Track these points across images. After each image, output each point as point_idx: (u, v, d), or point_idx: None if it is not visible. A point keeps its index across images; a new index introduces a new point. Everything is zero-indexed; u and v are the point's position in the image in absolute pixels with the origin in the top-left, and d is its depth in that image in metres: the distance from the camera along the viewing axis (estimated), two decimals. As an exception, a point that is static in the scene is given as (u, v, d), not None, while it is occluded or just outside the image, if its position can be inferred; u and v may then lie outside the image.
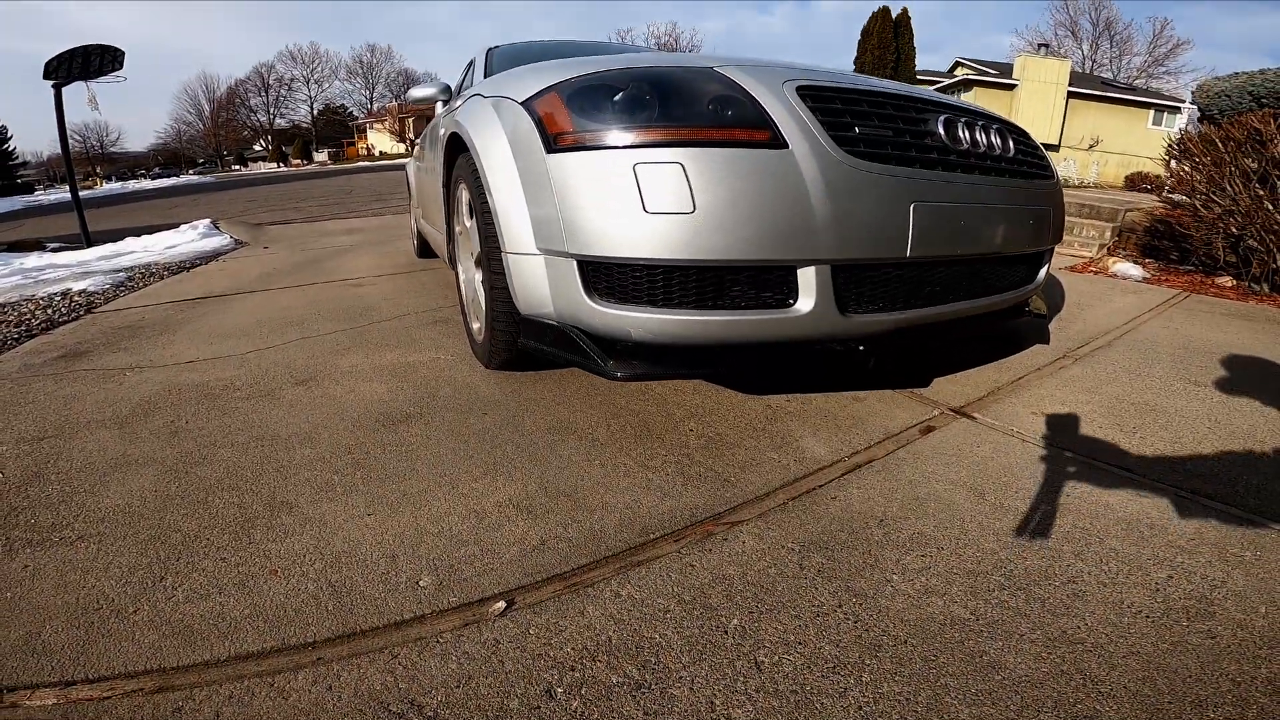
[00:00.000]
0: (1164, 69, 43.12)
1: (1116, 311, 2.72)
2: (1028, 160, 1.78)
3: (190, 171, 52.57)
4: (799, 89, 1.31)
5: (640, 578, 1.06)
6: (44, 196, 24.66)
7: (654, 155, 1.16)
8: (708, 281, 1.21)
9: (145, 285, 4.12)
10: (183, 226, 8.56)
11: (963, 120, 1.56)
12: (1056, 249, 4.77)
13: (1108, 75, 41.35)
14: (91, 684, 0.89)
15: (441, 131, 2.11)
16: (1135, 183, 11.40)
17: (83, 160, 62.23)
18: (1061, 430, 1.54)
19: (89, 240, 8.69)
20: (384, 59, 62.44)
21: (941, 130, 1.48)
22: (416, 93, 2.75)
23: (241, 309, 3.03)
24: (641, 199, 1.16)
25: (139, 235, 8.48)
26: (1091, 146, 25.72)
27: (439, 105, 2.82)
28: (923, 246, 1.36)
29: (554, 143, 1.27)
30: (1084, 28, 46.13)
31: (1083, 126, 26.05)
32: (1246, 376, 1.88)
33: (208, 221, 8.99)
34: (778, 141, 1.20)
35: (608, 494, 1.29)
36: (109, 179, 54.36)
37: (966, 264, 1.58)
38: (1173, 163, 4.46)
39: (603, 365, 1.29)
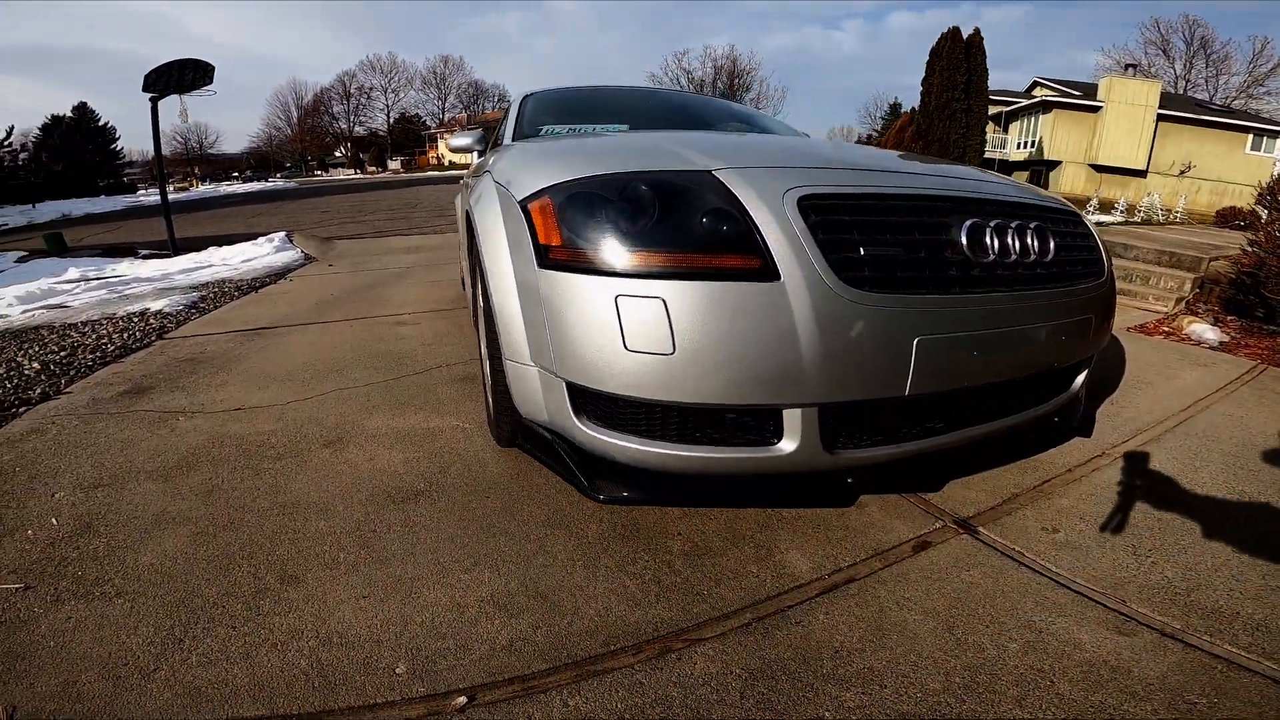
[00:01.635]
0: (1264, 89, 40.06)
1: (1178, 392, 2.56)
2: (1073, 259, 1.55)
3: (278, 175, 55.98)
4: (801, 200, 1.20)
5: (591, 689, 1.11)
6: (145, 197, 26.62)
7: (636, 287, 1.14)
8: (688, 419, 1.22)
9: (216, 308, 4.45)
10: (260, 239, 9.16)
11: (993, 223, 1.34)
12: (1129, 300, 4.52)
13: (1203, 96, 38.76)
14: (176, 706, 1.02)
15: (459, 204, 2.22)
16: (1226, 218, 10.60)
17: (182, 161, 67.18)
18: (1065, 551, 1.48)
19: (175, 248, 9.42)
20: (455, 70, 65.01)
21: (964, 239, 1.30)
22: (455, 141, 2.89)
23: (293, 346, 3.24)
24: (623, 335, 1.15)
25: (220, 245, 9.13)
26: (1182, 173, 24.13)
27: (474, 154, 2.93)
28: (926, 383, 1.25)
29: (545, 255, 1.27)
30: (1176, 46, 43.42)
31: (1174, 151, 24.48)
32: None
33: (283, 235, 9.59)
34: (769, 272, 1.13)
35: (582, 599, 1.33)
36: (204, 180, 58.39)
37: (979, 391, 1.42)
38: (1263, 212, 4.14)
39: (585, 485, 1.33)
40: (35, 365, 3.00)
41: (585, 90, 3.42)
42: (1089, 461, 1.92)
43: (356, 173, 51.10)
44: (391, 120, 62.17)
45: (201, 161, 67.64)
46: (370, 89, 61.38)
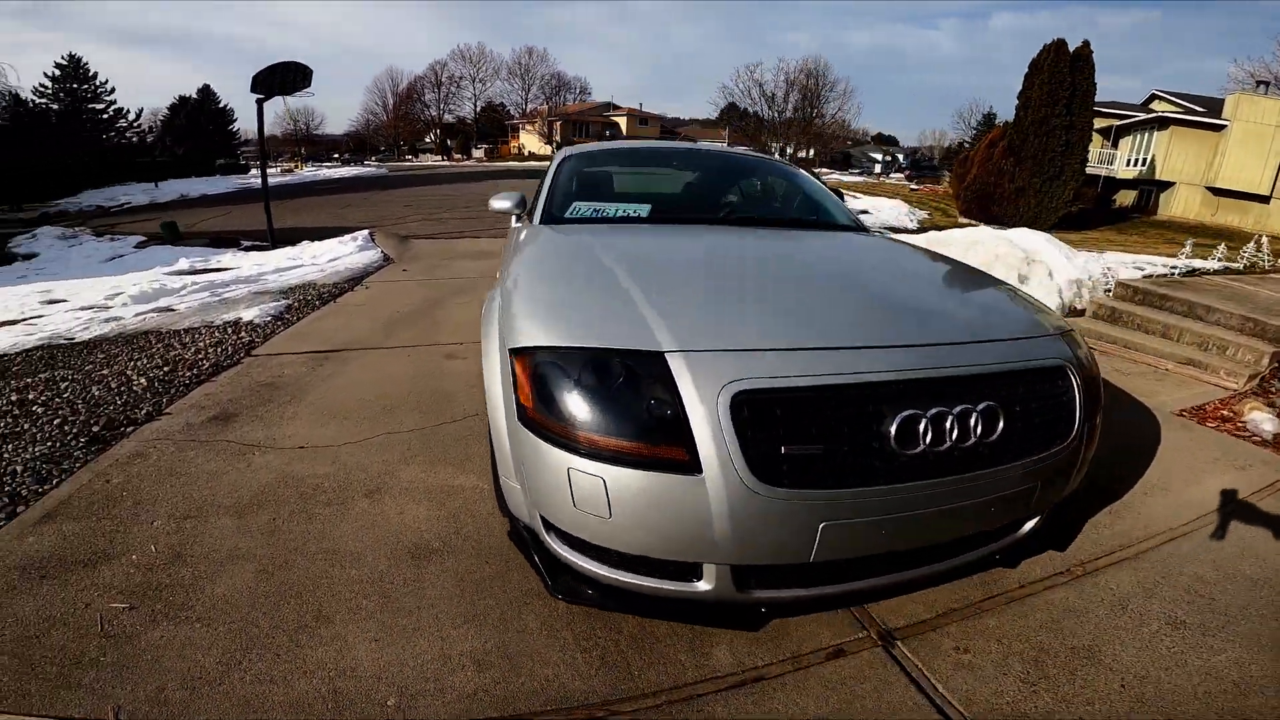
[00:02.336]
0: None
1: (1192, 502, 2.48)
2: (1030, 428, 1.51)
3: (373, 158, 59.10)
4: (735, 396, 1.30)
5: None
6: (254, 180, 28.49)
7: (583, 465, 1.34)
8: (625, 557, 1.44)
9: (298, 319, 4.97)
10: (345, 237, 9.92)
11: (932, 411, 1.36)
12: (1197, 373, 4.30)
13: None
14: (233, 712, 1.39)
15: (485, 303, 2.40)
16: (1352, 265, 9.56)
17: (292, 141, 71.87)
18: (961, 673, 1.57)
19: (273, 241, 10.33)
20: (539, 61, 66.49)
21: (894, 431, 1.34)
22: (495, 204, 3.07)
23: (356, 374, 3.65)
24: (572, 497, 1.38)
25: (312, 240, 9.95)
26: (1314, 202, 21.79)
27: (513, 218, 3.07)
28: (833, 553, 1.39)
29: (523, 413, 1.46)
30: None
31: (1310, 176, 22.11)
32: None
33: (366, 233, 10.33)
34: (694, 466, 1.29)
35: (539, 664, 1.60)
36: (308, 161, 62.24)
37: (897, 553, 1.52)
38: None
39: (548, 583, 1.58)
40: (143, 381, 3.53)
41: (622, 152, 3.67)
42: (1048, 578, 1.98)
43: (443, 159, 53.31)
44: (478, 109, 64.44)
45: (308, 142, 72.22)
46: (460, 78, 63.86)
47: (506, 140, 56.76)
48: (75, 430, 2.90)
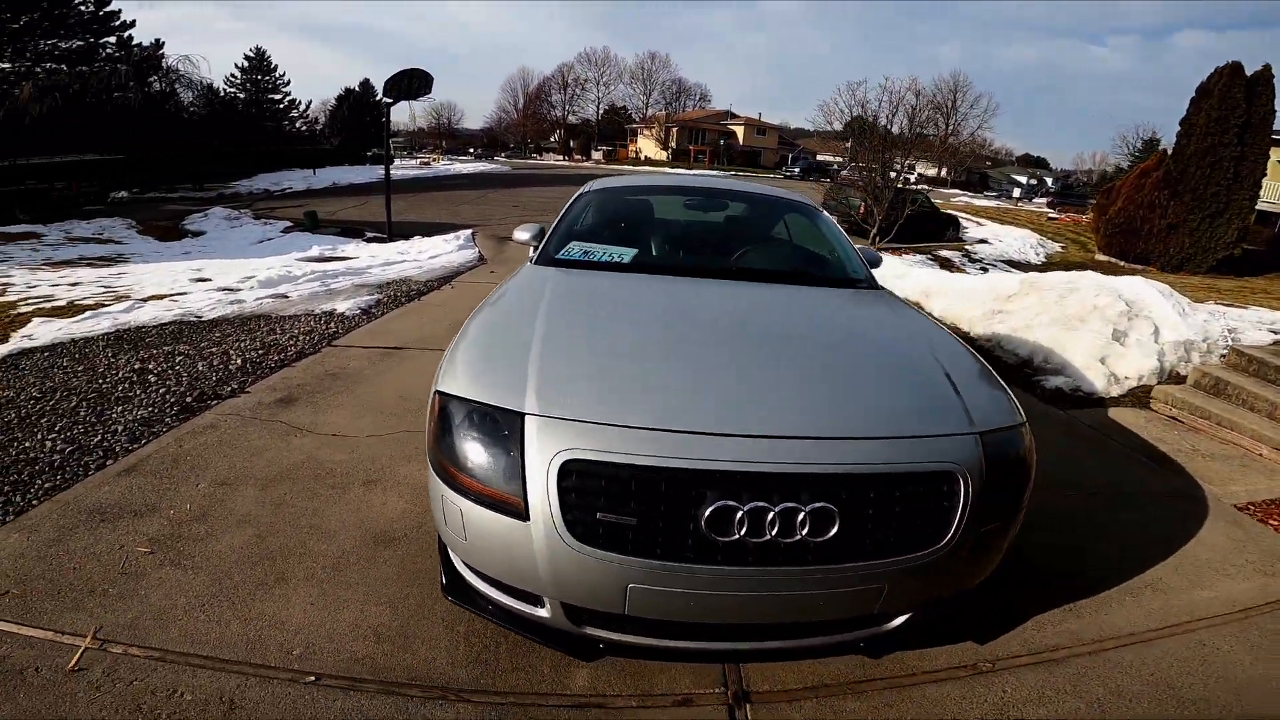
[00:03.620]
0: None
1: (1183, 607, 2.25)
2: (884, 531, 1.49)
3: (502, 154, 62.74)
4: (564, 464, 1.44)
5: (376, 701, 1.66)
6: (397, 171, 31.10)
7: (451, 495, 1.59)
8: (486, 576, 1.67)
9: (381, 314, 5.58)
10: (449, 235, 10.80)
11: (751, 505, 1.39)
12: (1254, 448, 3.81)
13: None
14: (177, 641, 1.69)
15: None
16: None
17: (434, 134, 77.91)
18: None
19: (391, 234, 11.43)
20: (661, 67, 67.66)
21: (705, 518, 1.40)
22: (518, 235, 3.26)
23: (405, 372, 4.08)
24: (444, 518, 1.65)
25: (423, 235, 10.93)
26: None
27: (531, 249, 3.17)
28: (648, 612, 1.50)
29: (429, 442, 1.71)
30: None
31: None
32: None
33: (469, 233, 11.18)
34: (525, 514, 1.47)
35: (426, 648, 1.84)
36: (446, 154, 66.95)
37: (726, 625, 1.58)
38: None
39: (443, 584, 1.82)
40: (239, 361, 4.18)
41: (640, 189, 3.81)
42: (946, 669, 1.87)
43: (565, 159, 55.63)
44: (600, 112, 66.65)
45: (448, 136, 78.01)
46: (584, 81, 66.42)
47: (625, 144, 58.28)
48: (173, 400, 3.52)
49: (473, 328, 2.07)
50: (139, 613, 1.89)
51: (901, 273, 9.12)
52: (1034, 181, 52.77)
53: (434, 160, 46.37)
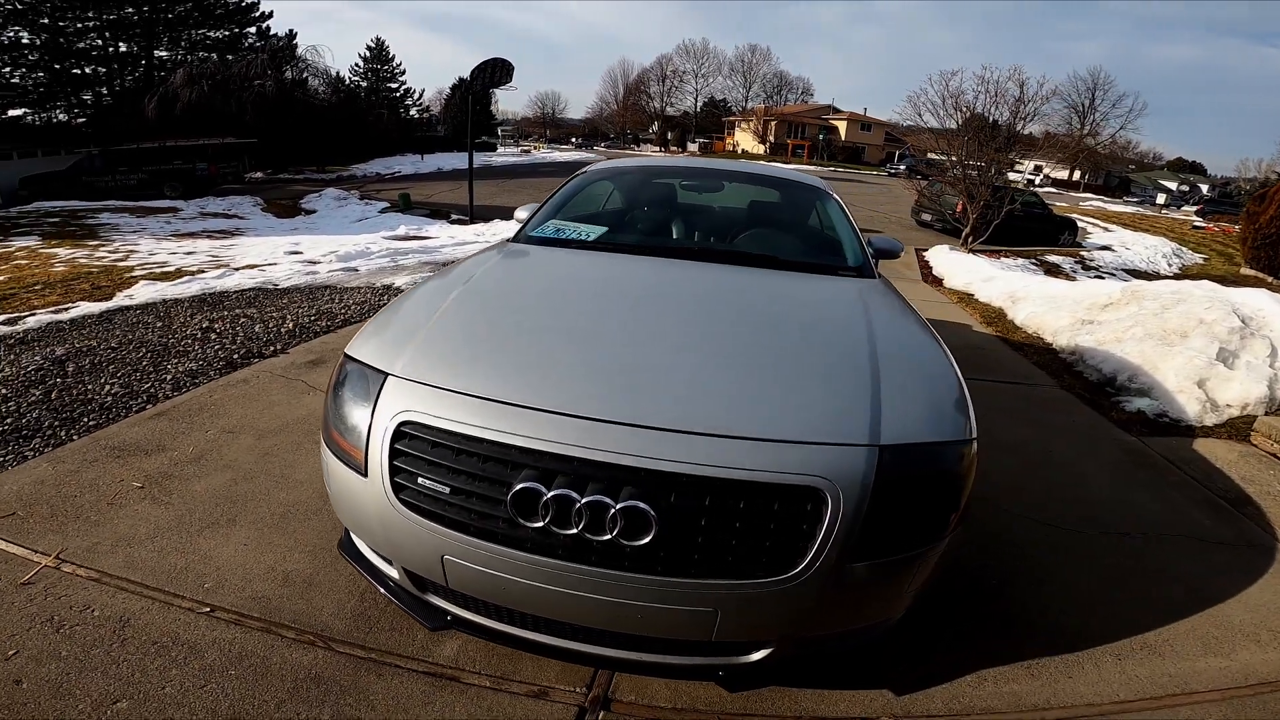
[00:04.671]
0: None
1: (1181, 675, 1.86)
2: (709, 549, 1.29)
3: (601, 144, 63.75)
4: (400, 425, 1.41)
5: (250, 636, 1.73)
6: (495, 158, 32.49)
7: (325, 450, 1.62)
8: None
9: (434, 290, 5.82)
10: (525, 220, 11.09)
11: (554, 494, 1.27)
12: None
13: None
14: (118, 566, 1.82)
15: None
16: None
17: (539, 124, 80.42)
18: None
19: (472, 218, 11.91)
20: (762, 60, 65.93)
21: (510, 502, 1.29)
22: (519, 214, 3.15)
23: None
24: (325, 471, 1.65)
25: (503, 219, 11.32)
26: None
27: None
28: (469, 590, 1.44)
29: None
30: None
31: None
32: None
33: (544, 218, 11.42)
34: (364, 471, 1.47)
35: (320, 598, 1.88)
36: (549, 143, 68.88)
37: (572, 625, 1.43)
38: None
39: (340, 540, 1.81)
40: (290, 325, 4.49)
41: (638, 169, 3.58)
42: (835, 718, 1.63)
43: (661, 151, 55.68)
44: (699, 104, 66.09)
45: (552, 125, 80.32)
46: (683, 73, 66.00)
47: (722, 137, 57.43)
48: (222, 356, 3.83)
49: (402, 296, 2.08)
50: (102, 539, 2.06)
51: (988, 275, 8.39)
52: (1184, 188, 47.00)
53: (535, 148, 47.85)
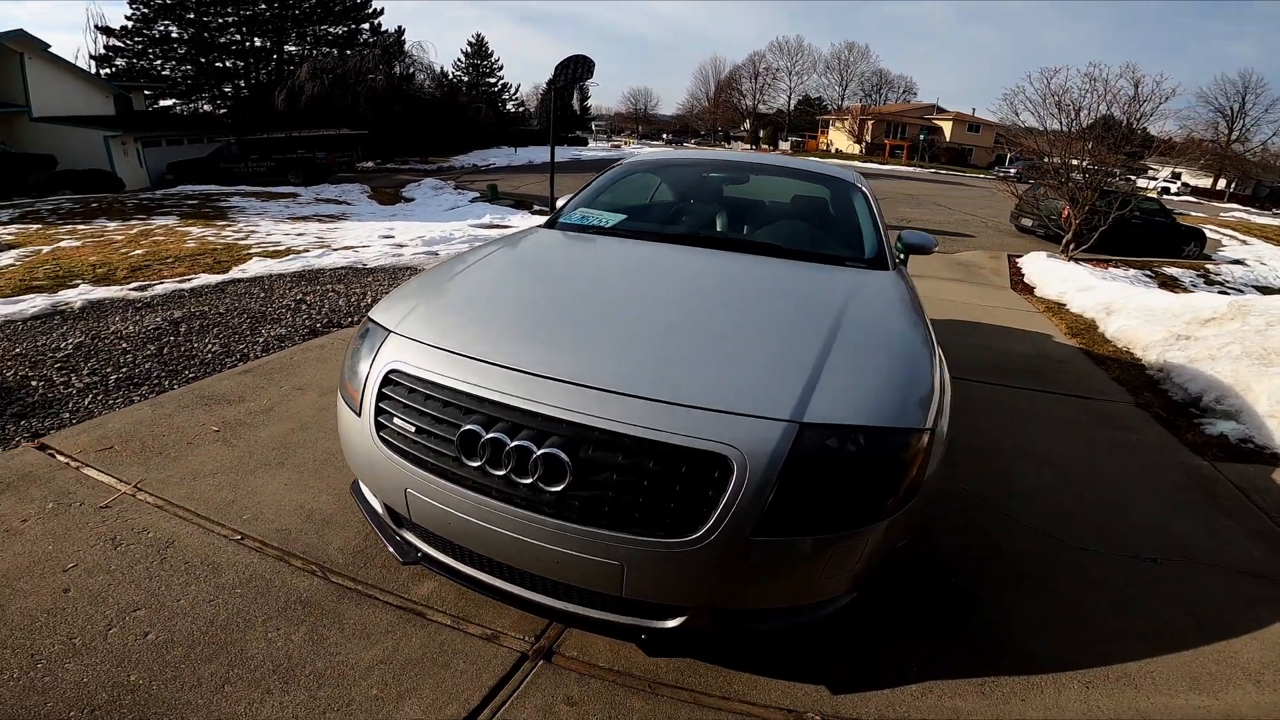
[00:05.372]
0: None
1: (1149, 709, 1.69)
2: (618, 503, 1.36)
3: (692, 141, 63.63)
4: (388, 372, 1.60)
5: (264, 561, 1.96)
6: (586, 152, 33.20)
7: (339, 398, 1.81)
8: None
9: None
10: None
11: (490, 436, 1.40)
12: None
13: None
14: (181, 497, 2.15)
15: None
16: None
17: (630, 120, 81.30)
18: (548, 715, 1.55)
19: (553, 207, 12.34)
20: (860, 58, 63.28)
21: (457, 441, 1.43)
22: (560, 203, 3.29)
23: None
24: (338, 420, 1.84)
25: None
26: None
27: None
28: (429, 525, 1.58)
29: None
30: None
31: None
32: None
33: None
34: (359, 411, 1.66)
35: (334, 535, 2.11)
36: (640, 139, 69.38)
37: (524, 571, 1.52)
38: None
39: (353, 483, 1.98)
40: (369, 299, 4.90)
41: (670, 162, 3.67)
42: (764, 705, 1.61)
43: (751, 149, 54.83)
44: (792, 102, 64.40)
45: (644, 121, 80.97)
46: (776, 70, 64.46)
47: (815, 135, 55.68)
48: (308, 325, 4.27)
49: (429, 269, 2.28)
50: (174, 473, 2.40)
51: (1085, 285, 7.80)
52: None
53: (626, 144, 48.41)
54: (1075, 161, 9.26)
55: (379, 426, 1.62)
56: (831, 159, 42.32)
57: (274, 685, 1.56)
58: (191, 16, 27.43)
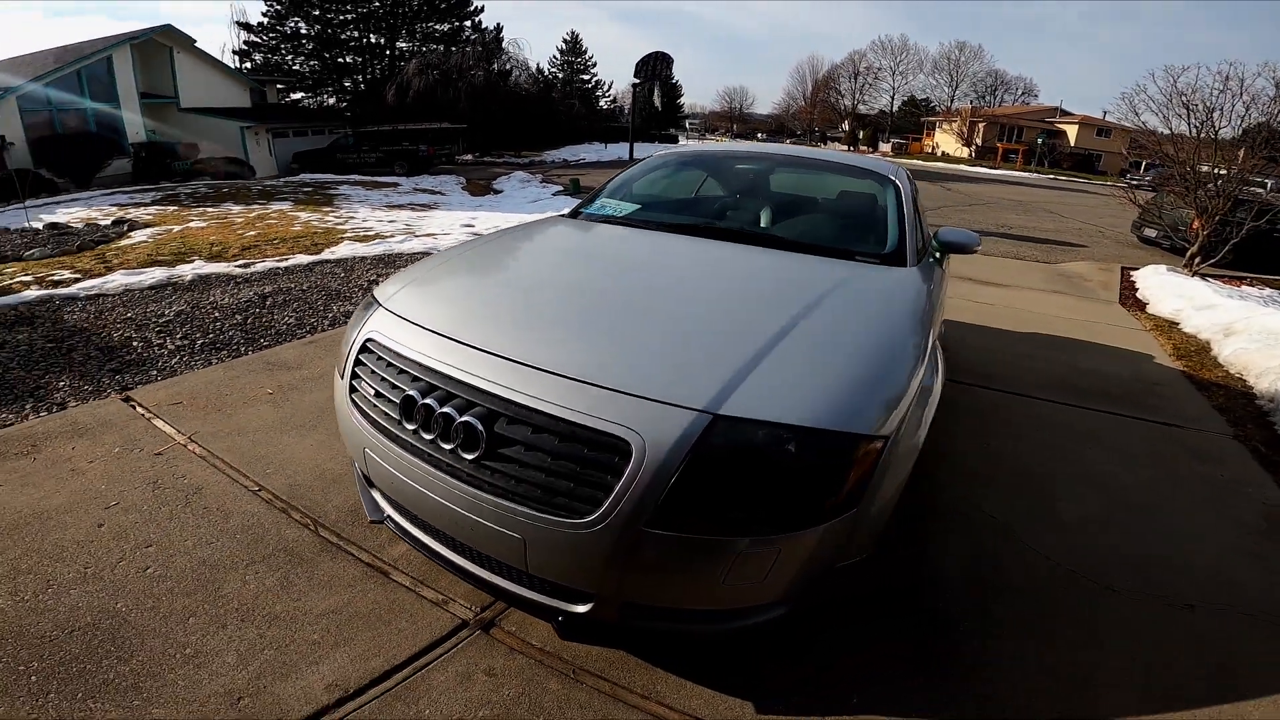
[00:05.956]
0: None
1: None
2: (524, 479, 1.38)
3: (787, 141, 62.17)
4: (365, 340, 1.72)
5: (269, 512, 2.04)
6: (674, 150, 33.16)
7: (335, 371, 1.90)
8: None
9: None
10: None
11: (424, 402, 1.47)
12: None
13: None
14: (224, 450, 2.38)
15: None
16: None
17: (725, 118, 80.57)
18: (457, 688, 1.55)
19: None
20: (973, 58, 59.07)
21: (399, 405, 1.53)
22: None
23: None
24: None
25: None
26: None
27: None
28: (385, 488, 1.67)
29: None
30: None
31: None
32: None
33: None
34: (343, 375, 1.80)
35: (335, 493, 2.27)
36: (735, 137, 68.56)
37: (461, 543, 1.56)
38: None
39: None
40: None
41: (701, 155, 3.59)
42: (681, 713, 1.57)
43: (850, 150, 52.87)
44: (896, 103, 61.33)
45: (739, 120, 80.00)
46: (878, 70, 61.47)
47: (919, 137, 52.64)
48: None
49: (437, 253, 2.39)
50: (224, 428, 2.65)
51: (1206, 303, 6.97)
52: None
53: (718, 141, 47.99)
54: (1207, 168, 8.27)
55: (351, 389, 1.74)
56: (936, 161, 40.04)
57: (231, 621, 1.70)
58: (317, 13, 29.73)
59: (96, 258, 6.14)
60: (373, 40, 31.30)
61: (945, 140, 48.45)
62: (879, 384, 1.52)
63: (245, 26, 29.79)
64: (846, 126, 59.66)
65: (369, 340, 1.73)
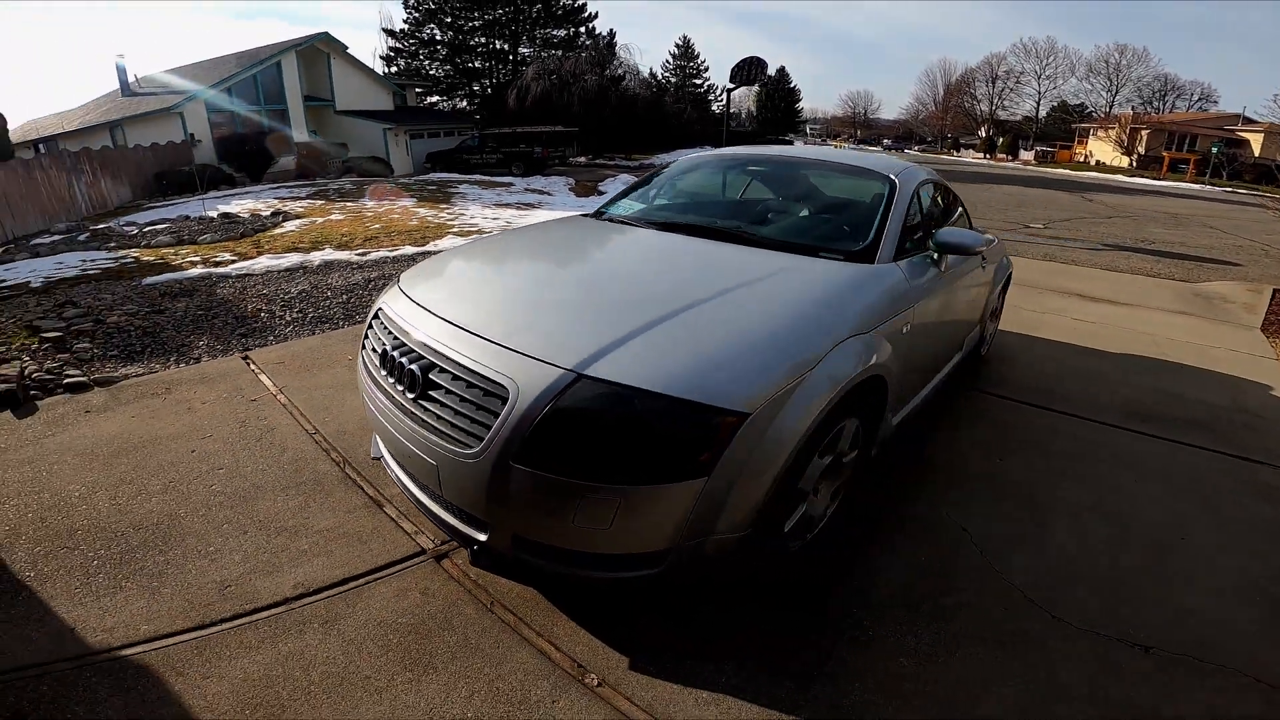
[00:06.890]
0: None
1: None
2: (449, 417, 1.67)
3: (915, 148, 58.96)
4: (377, 310, 2.15)
5: (298, 462, 2.41)
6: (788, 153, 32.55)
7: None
8: None
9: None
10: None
11: (392, 354, 1.85)
12: None
13: None
14: (302, 404, 2.94)
15: None
16: None
17: (848, 123, 77.67)
18: (399, 602, 1.70)
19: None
20: (1136, 61, 52.34)
21: (378, 357, 1.96)
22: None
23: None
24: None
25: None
26: None
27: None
28: (375, 427, 2.04)
29: None
30: None
31: None
32: None
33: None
34: (363, 340, 2.21)
35: (355, 455, 2.58)
36: (859, 143, 65.98)
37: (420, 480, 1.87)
38: None
39: None
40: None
41: (718, 159, 3.59)
42: (568, 661, 1.61)
43: (985, 157, 49.04)
44: (1041, 108, 55.95)
45: (863, 125, 76.82)
46: (1020, 74, 56.24)
47: (1069, 145, 47.56)
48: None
49: (467, 250, 2.75)
50: (306, 384, 3.22)
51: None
52: None
53: (838, 146, 46.44)
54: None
55: (362, 348, 2.18)
56: (1088, 171, 36.36)
57: (251, 529, 2.14)
58: (449, 20, 32.29)
59: (253, 243, 7.30)
60: (498, 46, 33.50)
61: (1101, 148, 43.58)
62: (751, 363, 1.64)
63: (390, 33, 32.98)
64: (984, 133, 55.38)
65: (380, 309, 2.16)
